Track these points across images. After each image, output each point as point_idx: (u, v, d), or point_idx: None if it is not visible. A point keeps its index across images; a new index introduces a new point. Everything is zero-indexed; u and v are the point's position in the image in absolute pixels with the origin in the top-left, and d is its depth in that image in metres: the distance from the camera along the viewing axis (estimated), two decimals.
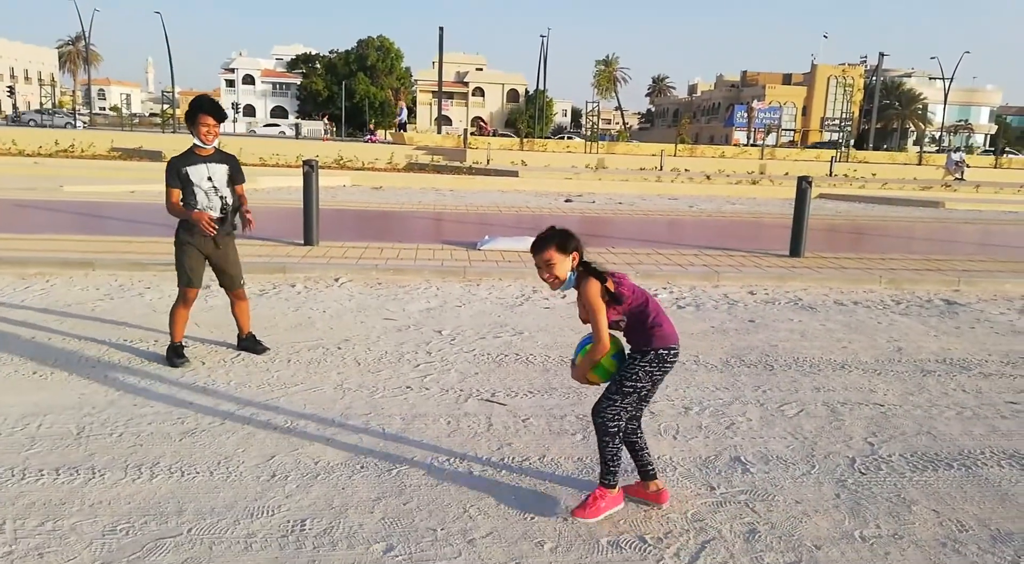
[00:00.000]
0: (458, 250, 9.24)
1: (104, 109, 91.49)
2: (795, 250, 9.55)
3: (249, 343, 5.23)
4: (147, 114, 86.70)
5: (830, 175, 27.35)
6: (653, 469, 3.25)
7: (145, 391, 4.43)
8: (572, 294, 3.09)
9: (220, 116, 4.81)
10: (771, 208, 17.53)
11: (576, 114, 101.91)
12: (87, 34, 56.71)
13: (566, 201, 17.27)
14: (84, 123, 50.36)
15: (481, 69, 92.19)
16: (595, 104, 36.96)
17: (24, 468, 3.39)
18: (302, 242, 9.08)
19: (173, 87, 50.07)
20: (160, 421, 3.99)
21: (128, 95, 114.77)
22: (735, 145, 49.80)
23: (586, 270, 2.98)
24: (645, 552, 2.88)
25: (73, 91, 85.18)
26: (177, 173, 4.73)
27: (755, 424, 4.22)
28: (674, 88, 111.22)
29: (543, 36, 46.32)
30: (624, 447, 3.17)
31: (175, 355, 4.88)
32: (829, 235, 12.59)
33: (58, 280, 7.29)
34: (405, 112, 39.14)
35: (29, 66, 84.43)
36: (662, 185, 20.76)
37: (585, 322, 3.04)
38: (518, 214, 14.18)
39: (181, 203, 4.76)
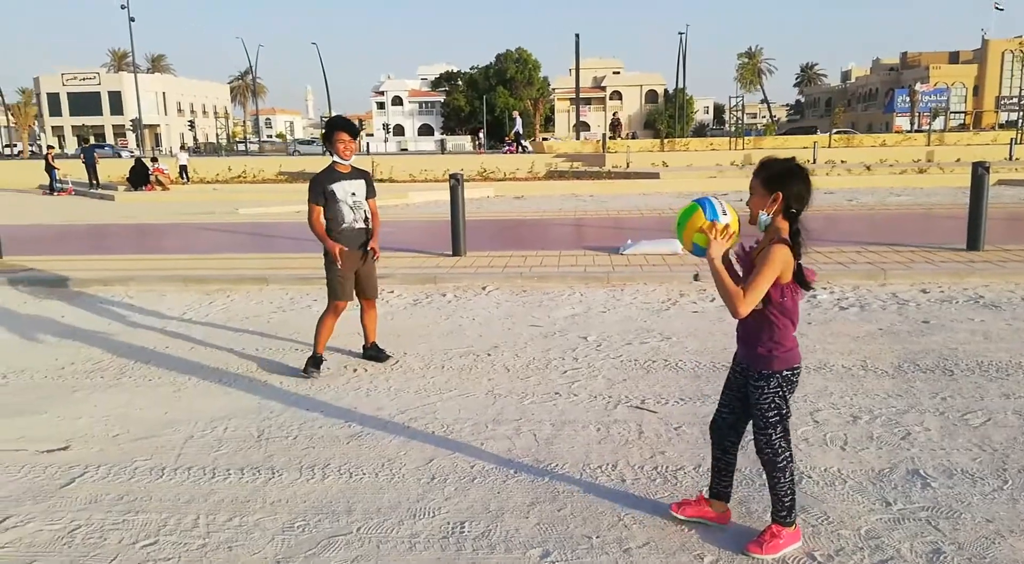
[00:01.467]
0: (600, 255, 9.20)
1: (271, 136, 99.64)
2: (973, 243, 8.68)
3: (373, 352, 5.44)
4: (308, 139, 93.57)
5: (1010, 159, 24.65)
6: (729, 492, 3.04)
7: (315, 397, 4.75)
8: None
9: (354, 132, 5.07)
10: (942, 198, 16.06)
11: (719, 110, 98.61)
12: (254, 69, 62.08)
13: None
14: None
15: (618, 72, 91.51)
16: (739, 98, 35.56)
17: (214, 468, 3.74)
18: (451, 253, 9.40)
19: (330, 112, 53.69)
20: (329, 425, 4.26)
21: (291, 122, 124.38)
22: (897, 132, 46.14)
23: (790, 229, 2.61)
24: None
25: (244, 121, 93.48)
26: (323, 191, 5.00)
27: (935, 435, 3.87)
28: (825, 76, 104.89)
29: (681, 33, 45.33)
30: (713, 456, 3.00)
31: (313, 365, 5.15)
32: (1011, 225, 11.34)
33: (237, 295, 7.99)
34: (519, 122, 37.70)
35: (206, 101, 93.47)
36: (816, 178, 19.50)
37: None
38: (660, 217, 13.91)
39: (327, 219, 5.05)
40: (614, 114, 36.93)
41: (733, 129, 35.64)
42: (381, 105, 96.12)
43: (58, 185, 24.56)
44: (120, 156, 25.73)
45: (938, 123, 43.79)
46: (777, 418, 2.77)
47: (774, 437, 2.77)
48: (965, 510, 3.09)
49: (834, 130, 30.40)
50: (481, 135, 38.19)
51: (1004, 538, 2.87)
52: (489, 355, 5.54)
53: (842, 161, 23.81)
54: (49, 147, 30.55)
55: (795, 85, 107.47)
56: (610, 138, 32.18)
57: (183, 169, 25.87)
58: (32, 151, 58.94)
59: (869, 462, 3.57)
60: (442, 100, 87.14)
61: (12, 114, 76.84)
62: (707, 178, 20.16)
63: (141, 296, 8.02)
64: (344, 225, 5.09)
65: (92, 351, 5.90)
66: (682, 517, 3.03)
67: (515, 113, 38.61)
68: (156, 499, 3.40)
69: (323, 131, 5.21)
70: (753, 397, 2.78)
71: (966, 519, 3.02)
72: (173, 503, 3.36)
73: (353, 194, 5.10)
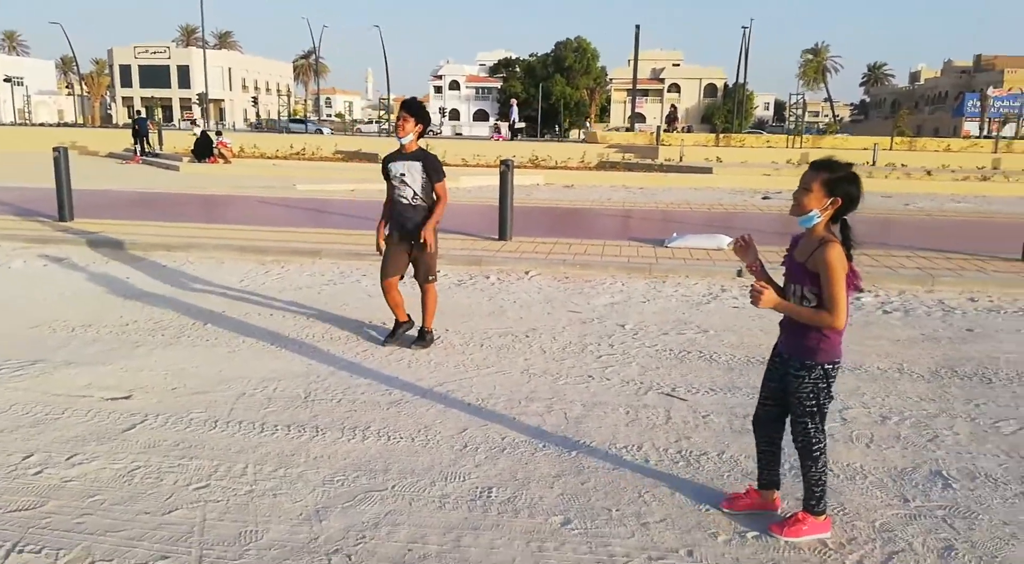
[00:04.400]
0: (645, 247, 9.26)
1: (330, 116, 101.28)
2: None
3: (417, 335, 5.52)
4: (365, 120, 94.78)
5: None
6: (779, 479, 3.12)
7: (360, 364, 4.99)
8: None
9: (411, 111, 5.21)
10: (1004, 207, 15.56)
11: (780, 107, 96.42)
12: (317, 49, 63.16)
13: (763, 198, 16.53)
14: (331, 130, 55.79)
15: (678, 64, 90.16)
16: (799, 96, 34.76)
17: (263, 423, 3.99)
18: (497, 237, 9.57)
19: (388, 94, 54.31)
20: (372, 391, 4.49)
21: (351, 102, 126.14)
22: (964, 137, 44.53)
23: (843, 232, 2.71)
24: (825, 556, 2.81)
25: (304, 100, 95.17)
26: (383, 167, 5.37)
27: (963, 439, 3.90)
28: (892, 76, 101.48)
29: (745, 27, 44.47)
30: (759, 450, 3.09)
31: (389, 333, 5.48)
32: None
33: (291, 266, 8.31)
34: (515, 109, 36.18)
35: (270, 78, 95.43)
36: (874, 181, 19.10)
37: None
38: (709, 212, 13.83)
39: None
40: (672, 106, 36.22)
41: (793, 127, 34.89)
42: (439, 89, 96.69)
43: (130, 153, 25.68)
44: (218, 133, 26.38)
45: (1009, 130, 42.08)
46: (815, 408, 2.85)
47: (809, 426, 2.86)
48: (983, 512, 3.14)
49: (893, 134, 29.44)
50: (509, 118, 36.92)
51: (1020, 540, 2.92)
52: (527, 337, 5.71)
53: (902, 164, 23.17)
54: (138, 112, 31.66)
55: (861, 84, 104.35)
56: (665, 131, 31.85)
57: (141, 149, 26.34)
58: (103, 119, 60.93)
59: (892, 460, 3.63)
60: (499, 86, 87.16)
61: (86, 84, 79.68)
62: (761, 175, 19.88)
63: (201, 262, 8.40)
64: (393, 200, 5.33)
65: (154, 311, 6.26)
66: (735, 512, 3.09)
67: (512, 101, 37.92)
68: (209, 447, 3.67)
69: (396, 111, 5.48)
70: (792, 386, 2.87)
71: (983, 520, 3.07)
72: (224, 452, 3.62)
73: (402, 174, 5.29)
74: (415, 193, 5.33)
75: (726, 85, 79.82)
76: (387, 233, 5.45)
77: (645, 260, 8.41)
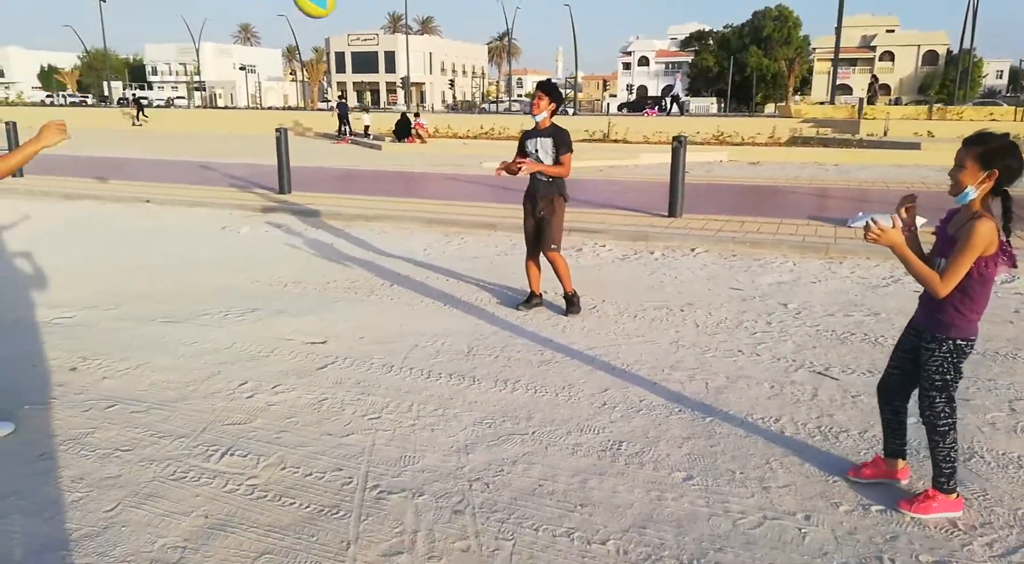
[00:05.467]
0: (825, 226, 8.85)
1: (520, 96, 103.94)
2: None
3: (568, 300, 5.76)
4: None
5: None
6: (905, 449, 3.10)
7: (520, 327, 5.40)
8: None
9: (546, 90, 5.48)
10: None
11: (1016, 75, 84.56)
12: (510, 30, 64.89)
13: None
14: (521, 109, 57.56)
15: (892, 30, 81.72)
16: None
17: (430, 371, 4.52)
18: (667, 214, 9.61)
19: (576, 72, 54.82)
20: (527, 351, 4.88)
21: None
22: None
23: (1004, 206, 2.64)
24: (952, 536, 2.78)
25: (497, 81, 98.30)
26: (521, 142, 5.67)
27: None
28: None
29: None
30: (883, 417, 3.09)
31: (524, 301, 5.87)
32: None
33: (470, 238, 8.95)
34: (679, 84, 35.93)
35: (466, 61, 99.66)
36: None
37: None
38: (908, 191, 12.73)
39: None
40: (872, 76, 32.97)
41: None
42: (627, 66, 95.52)
43: (339, 135, 28.36)
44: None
45: None
46: (942, 383, 2.83)
47: (937, 400, 2.85)
48: None
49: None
50: (671, 94, 35.73)
51: None
52: (682, 310, 5.82)
53: None
54: (340, 97, 34.94)
55: None
56: (870, 102, 29.33)
57: (366, 129, 28.12)
58: (321, 106, 67.22)
59: None
60: (689, 60, 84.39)
61: (306, 70, 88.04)
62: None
63: (394, 232, 9.30)
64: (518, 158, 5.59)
65: (351, 272, 7.11)
66: (861, 480, 3.14)
67: (676, 77, 36.72)
68: (383, 387, 4.25)
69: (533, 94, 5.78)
70: (923, 359, 2.86)
71: None
72: (396, 392, 4.18)
73: (536, 150, 5.56)
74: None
75: (949, 51, 71.29)
76: (524, 205, 5.73)
77: (823, 240, 8.08)
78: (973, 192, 2.65)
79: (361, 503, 3.02)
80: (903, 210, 2.84)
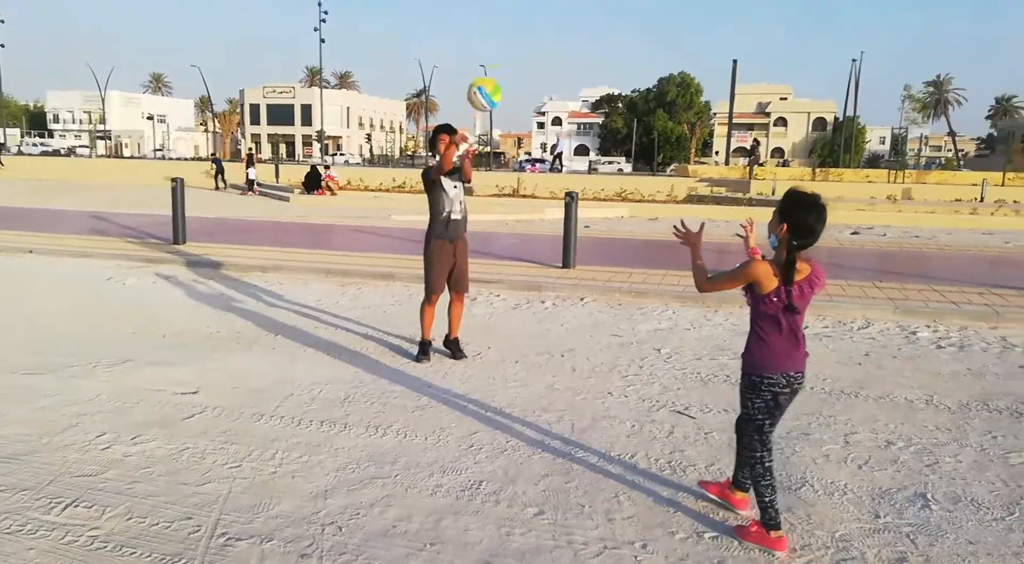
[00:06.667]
0: None
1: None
2: None
3: (453, 346, 5.94)
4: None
5: None
6: (743, 484, 3.28)
7: (401, 374, 5.45)
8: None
9: (451, 132, 5.71)
10: None
11: (897, 141, 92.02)
12: (428, 88, 66.11)
13: (852, 234, 16.07)
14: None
15: (785, 98, 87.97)
16: (901, 130, 33.33)
17: (301, 418, 4.50)
18: (560, 265, 9.92)
19: (491, 131, 56.21)
20: (404, 397, 4.93)
21: None
22: None
23: (787, 257, 2.84)
24: (773, 558, 2.97)
25: (415, 136, 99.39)
26: (432, 177, 5.71)
27: (963, 467, 3.89)
28: (1023, 108, 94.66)
29: (855, 60, 43.15)
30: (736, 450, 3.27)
31: (421, 352, 5.85)
32: None
33: (367, 288, 8.97)
34: (560, 142, 39.56)
35: (384, 116, 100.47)
36: (977, 218, 18.17)
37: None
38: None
39: (430, 207, 5.76)
40: (754, 140, 35.41)
41: (913, 162, 33.42)
42: (541, 125, 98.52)
43: (245, 185, 27.81)
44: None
45: None
46: (747, 416, 3.08)
47: (745, 432, 3.10)
48: (952, 531, 3.19)
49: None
50: (555, 151, 39.76)
51: (978, 558, 2.97)
52: (563, 356, 6.01)
53: (1015, 201, 21.79)
54: (249, 149, 34.64)
55: (987, 117, 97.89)
56: (748, 165, 31.27)
57: (251, 183, 27.78)
58: (233, 154, 66.04)
59: (880, 481, 3.70)
60: (600, 121, 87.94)
61: (219, 121, 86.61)
62: (855, 210, 19.24)
63: (289, 283, 9.20)
64: (443, 214, 5.73)
65: (236, 322, 7.00)
66: (707, 493, 3.42)
67: (557, 135, 40.67)
68: (250, 435, 4.20)
69: (431, 136, 5.94)
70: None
71: (948, 538, 3.13)
72: (262, 440, 4.14)
73: (455, 186, 5.76)
74: (463, 207, 5.79)
75: (836, 118, 77.09)
76: (436, 251, 5.79)
77: None
78: (775, 240, 2.94)
79: (206, 551, 2.98)
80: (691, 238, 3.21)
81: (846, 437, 4.29)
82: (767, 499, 3.01)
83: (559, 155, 38.51)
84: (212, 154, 36.48)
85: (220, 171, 30.38)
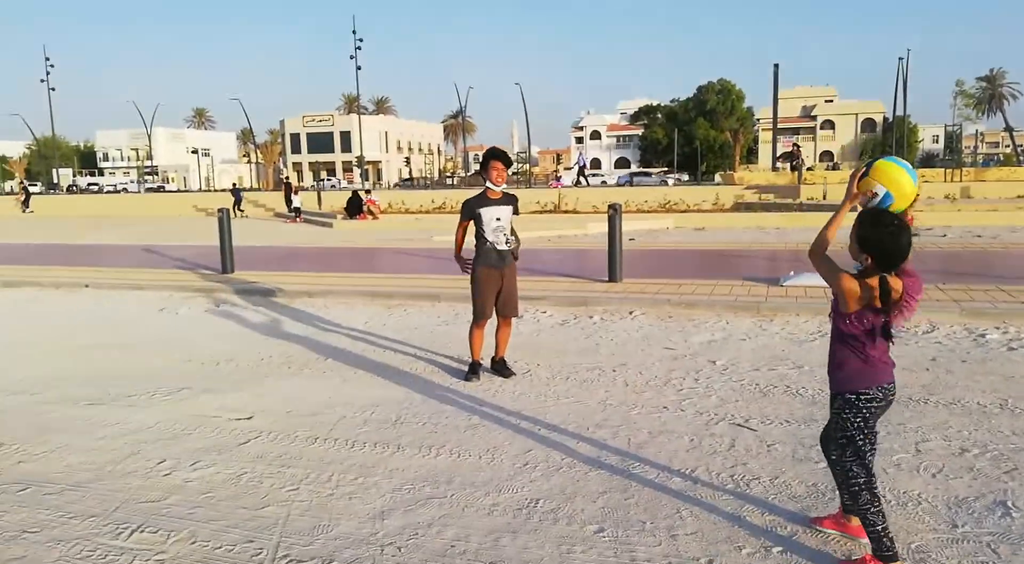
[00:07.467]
0: (758, 286, 9.14)
1: (477, 171, 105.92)
2: None
3: (499, 366, 5.89)
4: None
5: None
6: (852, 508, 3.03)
7: (451, 394, 5.43)
8: None
9: (507, 162, 5.70)
10: None
11: (952, 139, 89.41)
12: (464, 109, 66.75)
13: (912, 235, 15.59)
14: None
15: (831, 100, 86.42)
16: (954, 128, 32.29)
17: (355, 441, 4.51)
18: (606, 279, 9.83)
19: (529, 147, 56.39)
20: (455, 416, 4.91)
21: None
22: None
23: (881, 288, 2.67)
24: None
25: (453, 158, 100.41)
26: (471, 212, 5.71)
27: None
28: None
29: (901, 59, 42.13)
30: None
31: (471, 371, 5.83)
32: None
33: (412, 309, 9.02)
34: (583, 157, 41.05)
35: (422, 139, 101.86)
36: None
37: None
38: (843, 250, 13.24)
39: (476, 237, 5.74)
40: (794, 145, 34.62)
41: (970, 160, 32.41)
42: (580, 139, 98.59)
43: (291, 213, 28.34)
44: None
45: None
46: (844, 440, 2.85)
47: (843, 458, 2.86)
48: None
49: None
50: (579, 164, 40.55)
51: None
52: (614, 371, 5.92)
53: None
54: (287, 179, 35.46)
55: None
56: (792, 169, 30.65)
57: (297, 210, 28.01)
58: (275, 183, 67.62)
59: (956, 489, 3.52)
60: (640, 133, 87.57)
61: (261, 152, 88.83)
62: (914, 211, 18.67)
63: (335, 307, 9.31)
64: (487, 245, 5.73)
65: (286, 347, 7.09)
66: (820, 528, 3.12)
67: (580, 152, 42.31)
68: (305, 459, 4.22)
69: (481, 159, 5.91)
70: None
71: None
72: (317, 463, 4.15)
73: (497, 219, 5.71)
74: (507, 237, 5.73)
75: (885, 118, 75.31)
76: (483, 275, 5.73)
77: (755, 299, 8.34)
78: (860, 265, 2.76)
79: None
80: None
81: (917, 445, 4.11)
82: (879, 528, 2.77)
83: (582, 169, 40.21)
84: (233, 185, 38.57)
85: (238, 201, 31.85)
